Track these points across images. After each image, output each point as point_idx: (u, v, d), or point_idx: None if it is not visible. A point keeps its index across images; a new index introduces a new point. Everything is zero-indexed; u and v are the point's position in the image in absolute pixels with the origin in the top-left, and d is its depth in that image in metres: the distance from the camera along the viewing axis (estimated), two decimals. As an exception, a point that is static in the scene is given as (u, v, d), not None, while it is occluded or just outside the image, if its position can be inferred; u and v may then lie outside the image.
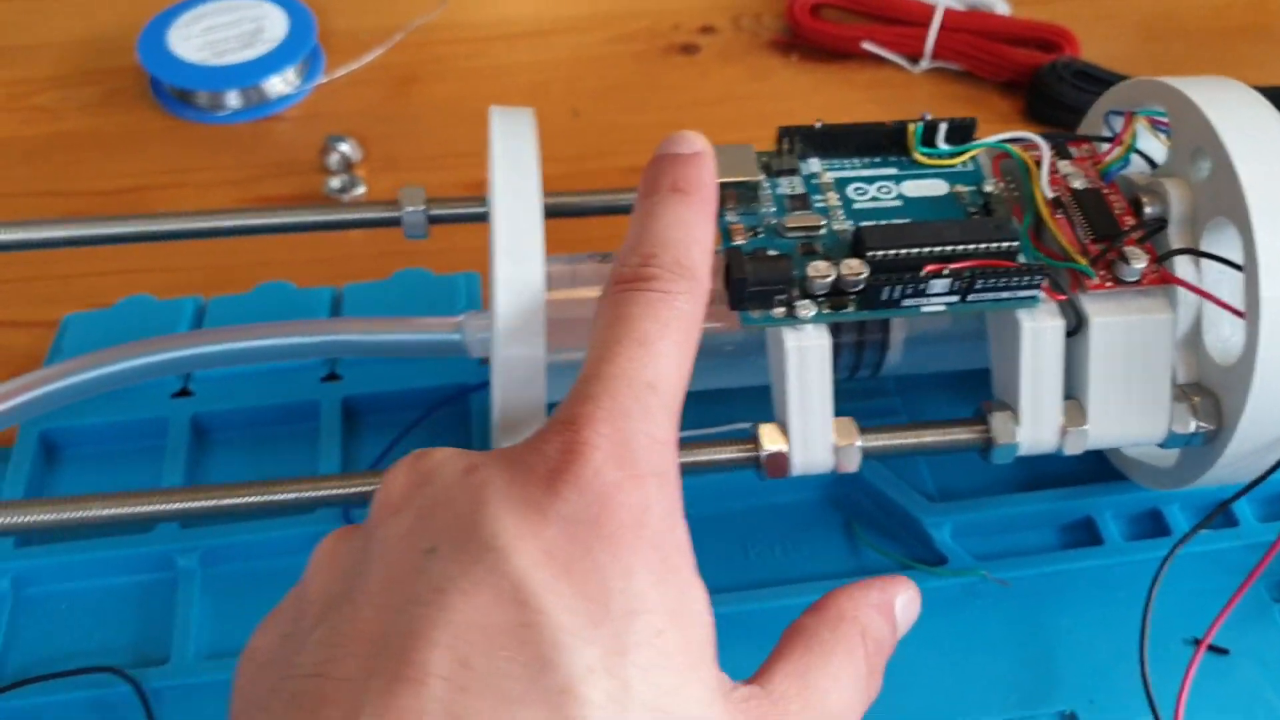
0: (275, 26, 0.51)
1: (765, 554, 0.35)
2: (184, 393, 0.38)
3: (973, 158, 0.32)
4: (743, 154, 0.30)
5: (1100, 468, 0.37)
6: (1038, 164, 0.31)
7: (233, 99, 0.50)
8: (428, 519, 0.21)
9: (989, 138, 0.32)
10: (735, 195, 0.30)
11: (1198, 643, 0.33)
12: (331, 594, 0.21)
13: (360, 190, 0.46)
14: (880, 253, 0.28)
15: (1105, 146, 0.33)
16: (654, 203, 0.25)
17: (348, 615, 0.20)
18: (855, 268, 0.28)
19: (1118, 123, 0.33)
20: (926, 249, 0.28)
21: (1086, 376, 0.29)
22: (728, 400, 0.34)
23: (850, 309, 0.28)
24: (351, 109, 0.51)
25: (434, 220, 0.33)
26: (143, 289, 0.42)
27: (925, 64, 0.54)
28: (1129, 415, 0.30)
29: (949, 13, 0.53)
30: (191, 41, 0.50)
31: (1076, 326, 0.29)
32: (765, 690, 0.22)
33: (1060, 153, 0.32)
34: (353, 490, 0.28)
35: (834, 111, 0.52)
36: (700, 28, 0.57)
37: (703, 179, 0.26)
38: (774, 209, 0.30)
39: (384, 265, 0.44)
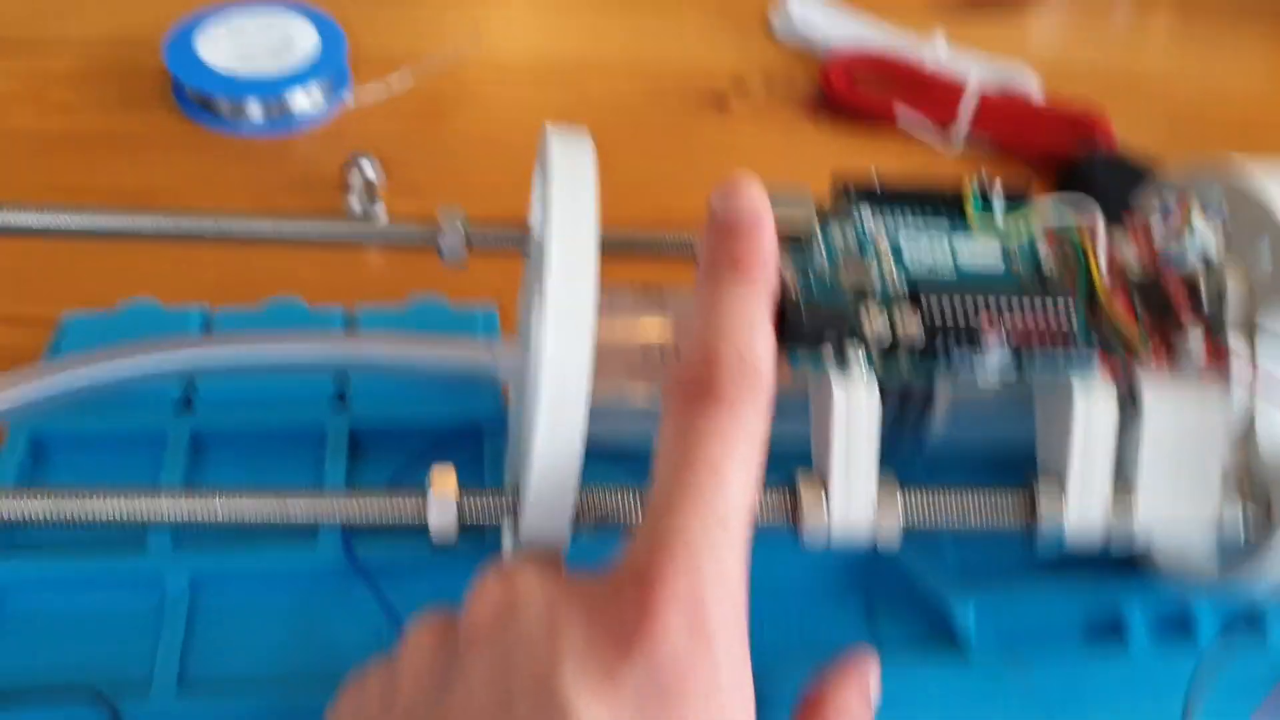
0: (304, 40, 0.51)
1: (780, 628, 0.35)
2: (185, 405, 0.37)
3: (1027, 225, 0.32)
4: (800, 202, 0.30)
5: (1130, 561, 0.36)
6: (1093, 237, 0.31)
7: (255, 110, 0.49)
8: (508, 663, 0.22)
9: (1044, 201, 0.32)
10: (788, 242, 0.30)
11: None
12: (417, 705, 0.23)
13: (379, 214, 0.46)
14: (936, 309, 0.28)
15: (1161, 226, 0.33)
16: (713, 285, 0.26)
17: None
18: (911, 325, 0.28)
19: (1173, 204, 0.33)
20: (982, 312, 0.28)
21: (1137, 460, 0.29)
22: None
23: (902, 367, 0.28)
24: (376, 132, 0.51)
25: (472, 244, 0.33)
26: (146, 292, 0.41)
27: (957, 139, 0.54)
28: (1177, 504, 0.29)
29: (982, 90, 0.54)
30: (219, 45, 0.49)
31: (1130, 402, 0.29)
32: None
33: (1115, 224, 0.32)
34: (359, 510, 0.27)
35: (864, 179, 0.52)
36: (733, 83, 0.57)
37: (762, 251, 0.26)
38: (826, 258, 0.30)
39: (398, 289, 0.43)
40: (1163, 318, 0.30)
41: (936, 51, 0.56)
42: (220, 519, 0.26)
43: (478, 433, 0.38)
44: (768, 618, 0.35)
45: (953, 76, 0.55)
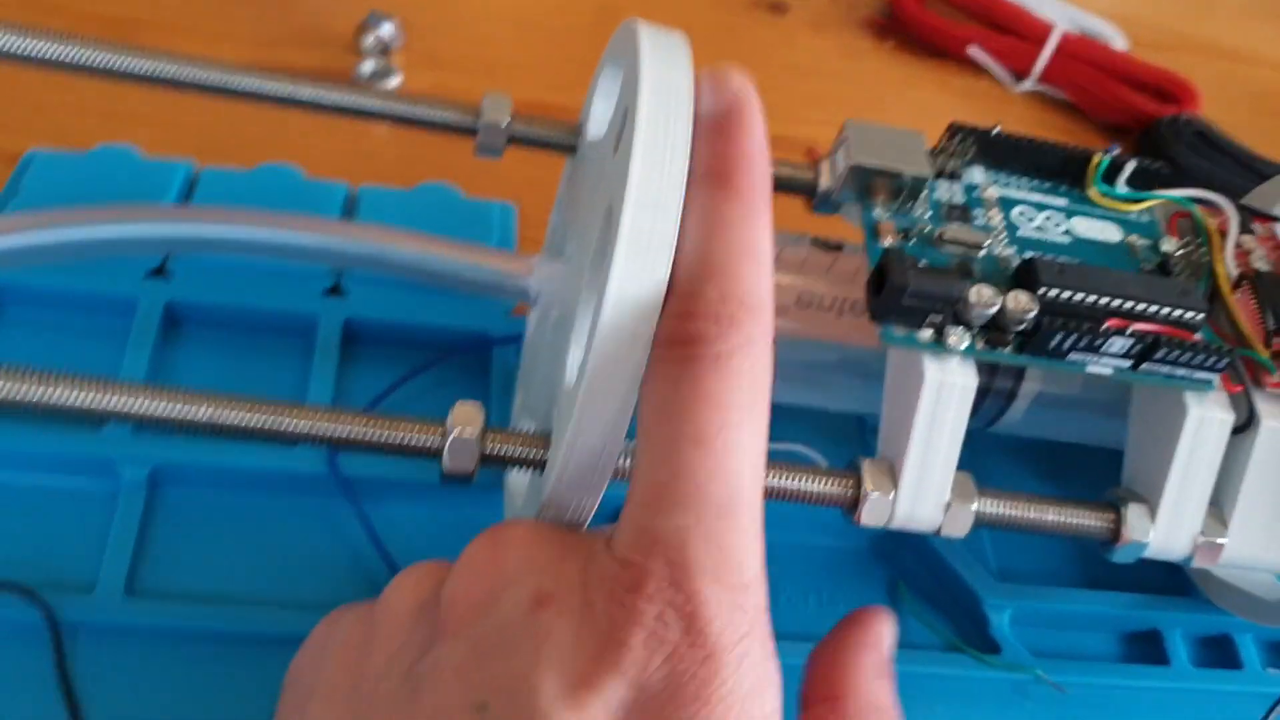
0: None
1: (798, 602, 0.32)
2: (160, 271, 0.33)
3: (1149, 208, 0.29)
4: (910, 143, 0.26)
5: (1172, 579, 0.34)
6: (1222, 233, 0.28)
7: (263, -58, 0.44)
8: (484, 660, 0.19)
9: (1172, 191, 0.29)
10: (887, 188, 0.26)
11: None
12: (391, 687, 0.20)
13: (395, 82, 0.42)
14: (1054, 291, 0.25)
15: (1292, 227, 0.30)
16: (700, 203, 0.21)
17: None
18: (1024, 302, 0.24)
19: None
20: (1105, 299, 0.25)
21: (1239, 484, 0.27)
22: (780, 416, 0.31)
23: (1007, 350, 0.25)
24: (395, -13, 0.46)
25: (514, 140, 0.29)
26: (126, 138, 0.37)
27: (1029, 84, 0.50)
28: (1273, 536, 0.27)
29: (1066, 36, 0.50)
30: None
31: (1245, 424, 0.26)
32: None
33: (1243, 225, 0.29)
34: (343, 433, 0.23)
35: (924, 115, 0.49)
36: (793, -14, 0.53)
37: (750, 155, 0.21)
38: (929, 214, 0.27)
39: (404, 172, 0.40)
40: (1290, 330, 0.27)
41: (1019, -16, 0.52)
42: (197, 422, 0.23)
43: (485, 341, 0.34)
44: (778, 585, 0.32)
45: (1032, 14, 0.51)
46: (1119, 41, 0.52)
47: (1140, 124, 0.49)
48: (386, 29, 0.42)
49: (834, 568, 0.33)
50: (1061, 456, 0.33)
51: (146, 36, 0.42)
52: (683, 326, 0.20)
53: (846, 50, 0.51)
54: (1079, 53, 0.50)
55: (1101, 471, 0.29)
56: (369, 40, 0.43)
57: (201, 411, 0.23)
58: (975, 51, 0.50)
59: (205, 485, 0.30)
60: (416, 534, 0.30)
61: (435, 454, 0.23)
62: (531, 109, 0.44)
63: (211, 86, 0.28)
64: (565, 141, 0.29)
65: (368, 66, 0.42)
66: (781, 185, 0.31)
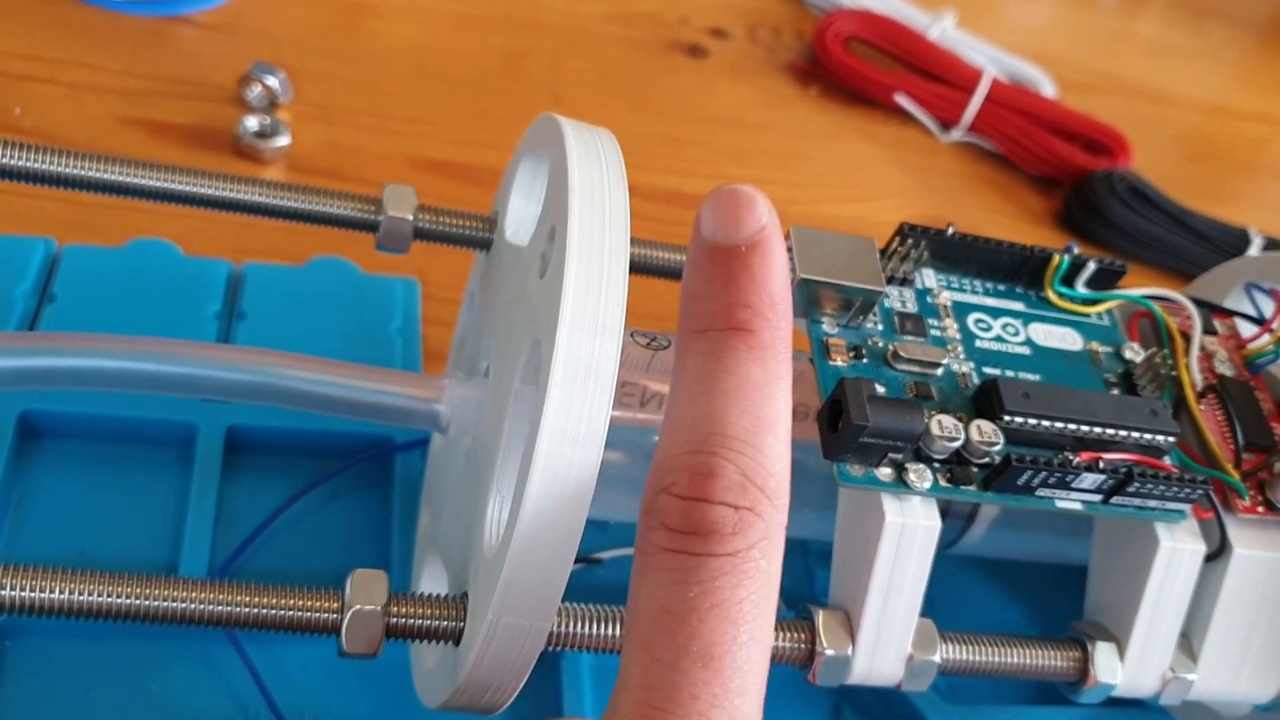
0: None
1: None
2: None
3: (1108, 310, 0.27)
4: (862, 252, 0.24)
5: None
6: (1185, 336, 0.27)
7: (132, -19, 0.41)
8: None
9: (1131, 290, 0.27)
10: (836, 300, 0.24)
11: None
12: None
13: (283, 141, 0.38)
14: (1019, 419, 0.23)
15: (1248, 327, 0.29)
16: (706, 355, 0.18)
17: None
18: (989, 434, 0.23)
19: (1263, 301, 0.29)
20: (1073, 425, 0.23)
21: (1209, 615, 0.25)
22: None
23: (972, 487, 0.23)
24: (281, 31, 0.43)
25: (421, 235, 0.26)
26: (-28, 212, 0.33)
27: (958, 134, 0.49)
28: (1242, 667, 0.26)
29: (996, 84, 0.49)
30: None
31: (1216, 552, 0.25)
32: None
33: (1205, 324, 0.28)
34: (222, 612, 0.20)
35: (850, 167, 0.47)
36: (711, 29, 0.51)
37: (776, 301, 0.18)
38: (881, 327, 0.25)
39: (291, 244, 0.37)
40: (1258, 446, 0.26)
41: (944, 30, 0.51)
42: (48, 606, 0.20)
43: (386, 446, 0.32)
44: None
45: (961, 59, 0.50)
46: (1048, 88, 0.52)
47: (1070, 176, 0.48)
48: (273, 81, 0.39)
49: (770, 688, 0.31)
50: (1016, 567, 0.32)
51: (5, 87, 0.38)
52: (693, 512, 0.17)
53: (769, 98, 0.49)
54: (1009, 101, 0.49)
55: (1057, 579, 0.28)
56: (254, 92, 0.39)
57: (51, 591, 0.20)
58: (903, 99, 0.49)
59: (61, 633, 0.26)
60: (311, 680, 0.27)
61: (333, 630, 0.21)
62: (432, 170, 0.41)
63: (70, 179, 0.25)
64: (479, 238, 0.27)
65: (252, 123, 0.38)
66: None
